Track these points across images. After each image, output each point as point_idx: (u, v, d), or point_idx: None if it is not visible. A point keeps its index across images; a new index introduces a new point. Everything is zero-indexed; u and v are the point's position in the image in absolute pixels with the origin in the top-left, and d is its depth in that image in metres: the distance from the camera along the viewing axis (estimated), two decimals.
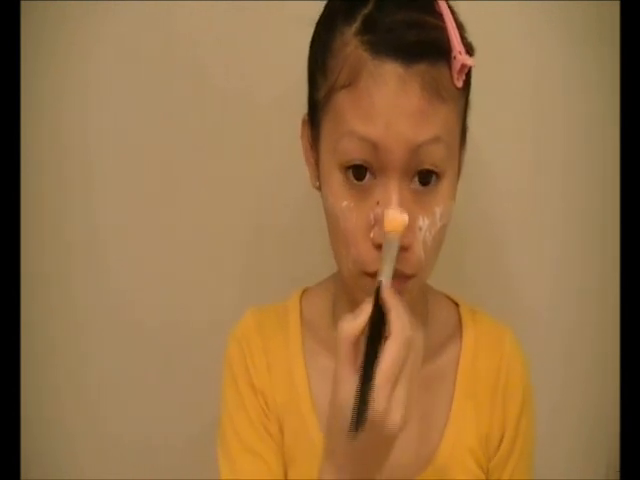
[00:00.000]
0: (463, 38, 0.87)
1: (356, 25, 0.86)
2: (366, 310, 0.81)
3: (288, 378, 1.02)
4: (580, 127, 1.26)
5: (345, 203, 0.88)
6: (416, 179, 0.87)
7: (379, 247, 0.86)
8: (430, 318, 1.04)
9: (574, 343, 1.28)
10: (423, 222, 0.87)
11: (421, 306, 1.03)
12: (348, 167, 0.87)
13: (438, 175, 0.87)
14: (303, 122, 0.98)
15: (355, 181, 0.87)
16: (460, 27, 0.88)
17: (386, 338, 0.80)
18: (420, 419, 1.00)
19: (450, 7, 0.88)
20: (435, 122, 0.85)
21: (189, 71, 1.27)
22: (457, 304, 1.08)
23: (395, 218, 0.85)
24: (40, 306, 1.33)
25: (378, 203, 0.86)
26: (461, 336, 1.04)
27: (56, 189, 1.31)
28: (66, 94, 1.28)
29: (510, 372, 1.03)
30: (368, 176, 0.87)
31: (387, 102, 0.83)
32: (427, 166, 0.86)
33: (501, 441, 1.02)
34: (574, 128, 1.26)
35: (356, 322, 0.81)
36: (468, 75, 0.89)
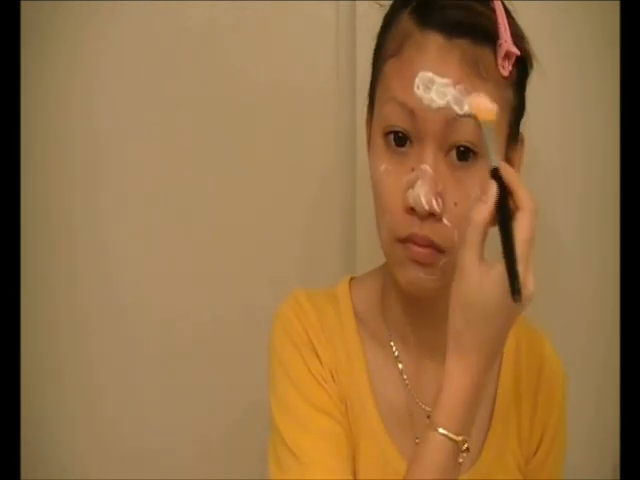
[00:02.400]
0: (520, 43, 0.90)
1: (411, 6, 0.91)
2: (492, 194, 0.83)
3: (348, 362, 1.01)
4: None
5: (383, 166, 0.91)
6: (453, 154, 0.89)
7: (409, 211, 0.89)
8: None
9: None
10: (459, 198, 0.89)
11: None
12: (389, 132, 0.91)
13: (475, 154, 0.89)
14: (367, 107, 1.01)
15: (395, 147, 0.91)
16: (518, 35, 0.91)
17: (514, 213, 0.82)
18: None
19: (510, 15, 0.91)
20: None
21: (198, 65, 1.28)
22: None
23: (486, 107, 0.84)
24: (43, 306, 1.33)
25: (413, 169, 0.89)
26: None
27: (63, 185, 1.31)
28: (74, 93, 1.29)
29: (551, 376, 1.05)
30: (408, 144, 0.90)
31: (426, 70, 0.87)
32: (463, 142, 0.89)
33: (539, 444, 1.04)
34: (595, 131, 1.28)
35: (486, 207, 0.83)
36: (524, 74, 0.93)
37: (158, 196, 1.31)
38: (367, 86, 0.98)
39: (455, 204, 0.89)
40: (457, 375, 0.85)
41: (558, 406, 1.05)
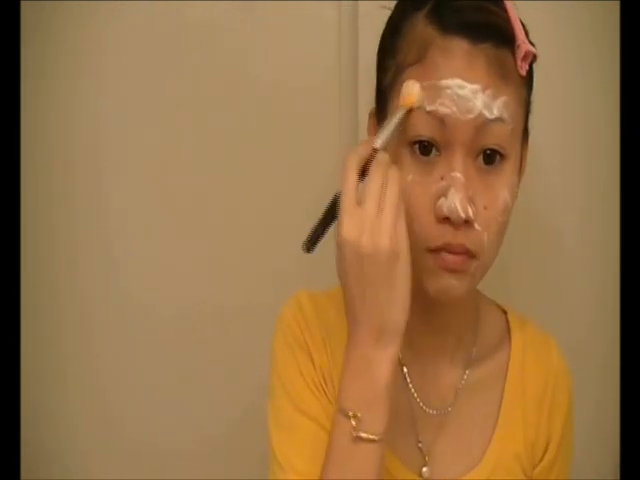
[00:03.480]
0: (530, 41, 0.91)
1: (426, 9, 0.90)
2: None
3: None
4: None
5: (410, 177, 0.90)
6: (480, 158, 0.89)
7: (442, 221, 0.88)
8: (480, 324, 1.05)
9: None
10: (488, 201, 0.89)
11: (472, 312, 1.04)
12: (414, 142, 0.89)
13: (502, 156, 0.90)
14: (370, 115, 1.00)
15: (421, 156, 0.90)
16: (524, 28, 0.91)
17: None
18: (469, 422, 1.01)
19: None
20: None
21: (200, 65, 1.29)
22: (505, 311, 1.09)
23: (411, 92, 0.87)
24: (45, 303, 1.33)
25: (442, 178, 0.88)
26: (509, 343, 1.05)
27: (65, 181, 1.31)
28: (75, 91, 1.29)
29: (558, 382, 1.05)
30: (434, 152, 0.89)
31: (454, 76, 0.87)
32: (492, 145, 0.89)
33: (546, 450, 1.03)
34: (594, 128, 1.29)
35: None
36: (531, 74, 0.93)
37: (161, 196, 1.32)
38: (369, 86, 0.98)
39: (485, 208, 0.89)
40: (347, 349, 0.88)
41: (564, 412, 1.05)
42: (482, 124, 0.87)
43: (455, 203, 0.86)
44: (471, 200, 0.88)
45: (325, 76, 1.29)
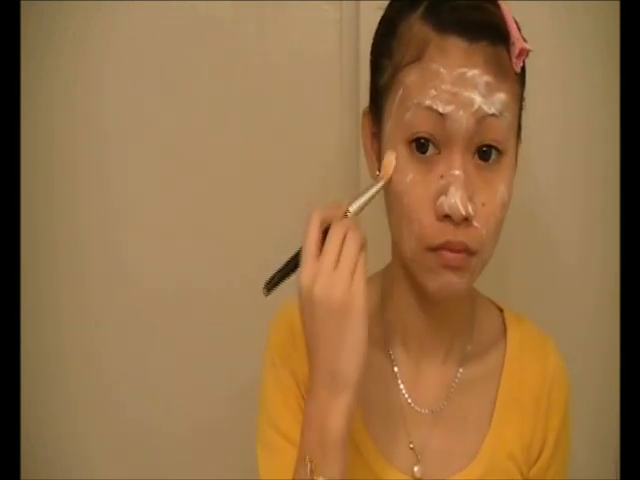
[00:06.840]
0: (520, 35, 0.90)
1: (421, 10, 0.90)
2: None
3: None
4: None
5: (410, 176, 0.90)
6: (477, 155, 0.89)
7: (443, 219, 0.88)
8: (476, 321, 1.05)
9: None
10: (486, 198, 0.89)
11: (468, 309, 1.04)
12: (412, 140, 0.89)
13: (499, 152, 0.90)
14: (364, 114, 1.00)
15: (419, 154, 0.89)
16: (517, 26, 0.90)
17: None
18: (463, 421, 1.01)
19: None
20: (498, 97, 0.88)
21: (201, 63, 1.29)
22: (501, 309, 1.08)
23: (391, 163, 0.90)
24: (45, 288, 1.35)
25: (442, 176, 0.88)
26: (505, 341, 1.05)
27: (65, 173, 1.32)
28: (78, 85, 1.30)
29: (555, 382, 1.04)
30: (431, 150, 0.89)
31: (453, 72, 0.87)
32: (488, 141, 0.89)
33: (542, 450, 1.03)
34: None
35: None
36: (523, 70, 0.93)
37: (161, 188, 1.33)
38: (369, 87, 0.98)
39: (483, 204, 0.89)
40: (307, 394, 0.89)
41: (562, 411, 1.04)
42: (481, 118, 0.87)
43: (456, 201, 0.86)
44: (470, 197, 0.88)
45: (326, 75, 1.29)
